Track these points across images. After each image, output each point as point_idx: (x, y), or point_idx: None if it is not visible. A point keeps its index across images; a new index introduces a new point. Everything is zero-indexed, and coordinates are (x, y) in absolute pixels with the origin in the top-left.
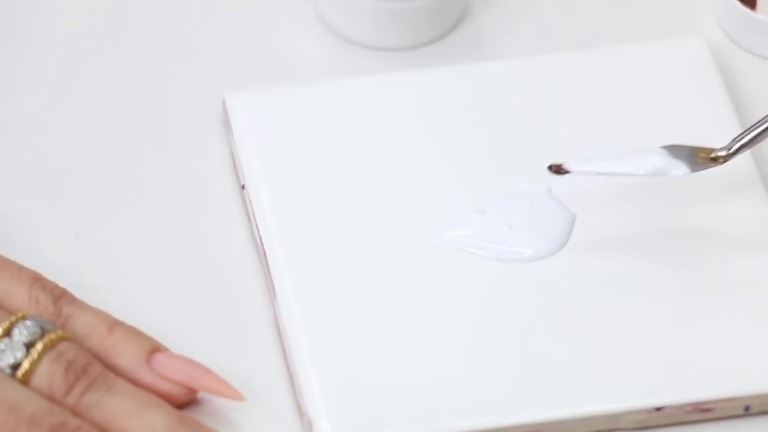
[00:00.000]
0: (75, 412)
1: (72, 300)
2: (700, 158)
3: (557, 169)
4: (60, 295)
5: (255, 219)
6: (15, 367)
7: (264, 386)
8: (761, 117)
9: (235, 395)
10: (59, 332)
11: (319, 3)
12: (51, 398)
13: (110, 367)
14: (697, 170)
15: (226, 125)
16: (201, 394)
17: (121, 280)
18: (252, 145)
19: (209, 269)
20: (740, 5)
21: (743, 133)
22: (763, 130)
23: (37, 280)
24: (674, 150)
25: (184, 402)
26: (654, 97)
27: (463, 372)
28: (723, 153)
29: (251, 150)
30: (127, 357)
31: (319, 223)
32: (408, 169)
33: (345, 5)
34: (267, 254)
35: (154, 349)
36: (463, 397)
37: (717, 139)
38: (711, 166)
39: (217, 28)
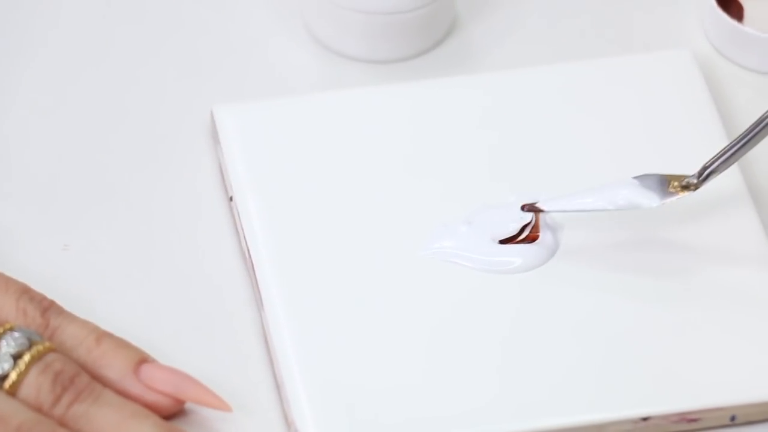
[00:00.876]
0: (62, 423)
1: (60, 311)
2: (672, 186)
3: (530, 209)
4: (48, 307)
5: (243, 231)
6: (2, 378)
7: (251, 397)
8: (732, 140)
9: (223, 406)
10: (47, 344)
11: (308, 16)
12: (38, 409)
13: (98, 378)
14: (668, 199)
15: (215, 137)
16: (189, 405)
17: (109, 292)
18: (240, 158)
19: (197, 280)
20: (727, 18)
21: (713, 159)
22: (732, 155)
23: (25, 292)
24: (645, 180)
25: (172, 413)
26: (641, 109)
27: (450, 382)
28: (694, 181)
29: (239, 162)
30: (114, 368)
31: (306, 234)
32: (395, 181)
33: (333, 18)
34: (254, 266)
35: (142, 360)
36: (450, 406)
37: (703, 152)
38: (683, 195)
39: (206, 41)
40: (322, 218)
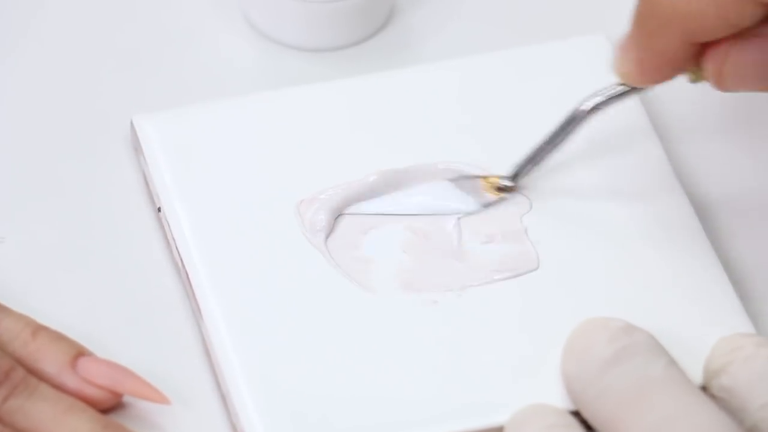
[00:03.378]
0: None
1: None
2: (487, 190)
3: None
4: None
5: (174, 241)
6: None
7: (190, 389)
8: (542, 137)
9: (161, 399)
10: None
11: (246, 4)
12: None
13: (34, 372)
14: (487, 203)
15: (137, 148)
16: (127, 398)
17: (45, 285)
18: (164, 167)
19: (133, 274)
20: None
21: (524, 159)
22: (539, 151)
23: None
24: (461, 183)
25: (110, 406)
26: (560, 95)
27: (393, 383)
28: (508, 183)
29: (164, 172)
30: (51, 362)
31: (240, 240)
32: (326, 181)
33: (272, 7)
34: (189, 276)
35: (79, 353)
36: (393, 409)
37: (625, 137)
38: (501, 197)
39: (142, 30)
40: (254, 223)
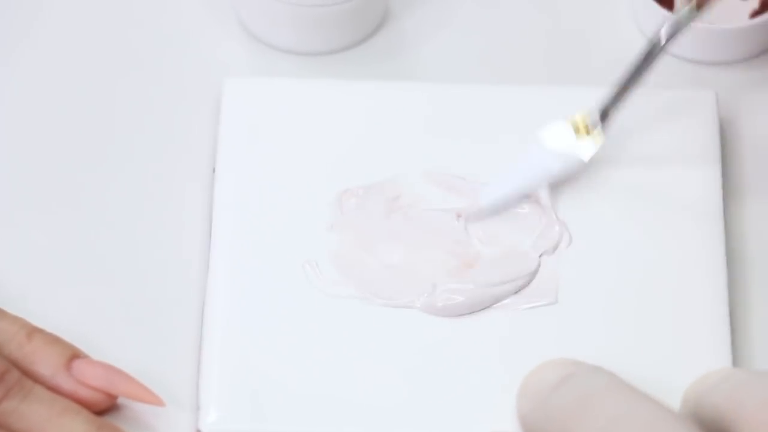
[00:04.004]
0: None
1: None
2: (578, 132)
3: (468, 217)
4: None
5: (215, 201)
6: None
7: (184, 391)
8: (623, 74)
9: (156, 400)
10: None
11: (240, 8)
12: None
13: (29, 374)
14: (584, 145)
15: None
16: (121, 400)
17: (40, 288)
18: (232, 130)
19: (129, 276)
20: (658, 6)
21: (609, 96)
22: (622, 87)
23: None
24: (553, 138)
25: (104, 408)
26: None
27: (370, 393)
28: (597, 119)
29: (230, 135)
30: (46, 364)
31: (270, 216)
32: (373, 178)
33: (265, 10)
34: (212, 234)
35: (74, 355)
36: (351, 406)
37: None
38: (594, 136)
39: (137, 33)
40: (289, 203)
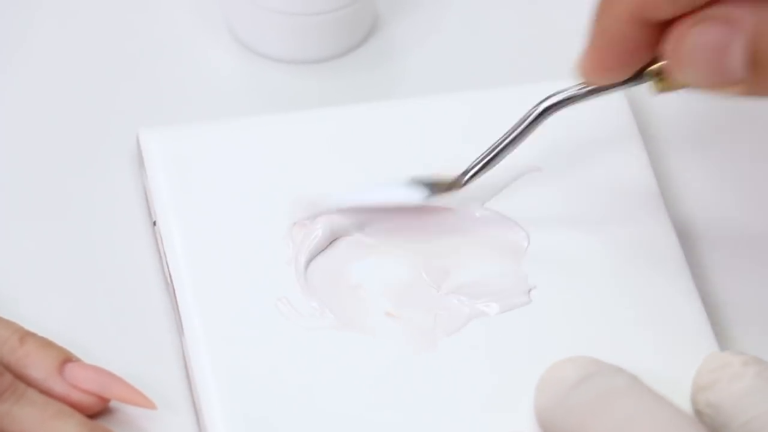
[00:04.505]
0: None
1: None
2: (439, 189)
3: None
4: None
5: (165, 255)
6: None
7: (176, 395)
8: (498, 137)
9: (148, 404)
10: None
11: (230, 17)
12: None
13: (22, 378)
14: (437, 197)
15: (140, 161)
16: (113, 403)
17: (32, 292)
18: (163, 181)
19: (121, 281)
20: None
21: (477, 159)
22: (493, 151)
23: None
24: (418, 181)
25: (97, 411)
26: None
27: (366, 411)
28: (456, 180)
29: (163, 186)
30: (38, 368)
31: (228, 259)
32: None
33: (255, 19)
34: (176, 290)
35: (66, 359)
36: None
37: (614, 155)
38: (448, 194)
39: (128, 44)
40: (243, 245)
